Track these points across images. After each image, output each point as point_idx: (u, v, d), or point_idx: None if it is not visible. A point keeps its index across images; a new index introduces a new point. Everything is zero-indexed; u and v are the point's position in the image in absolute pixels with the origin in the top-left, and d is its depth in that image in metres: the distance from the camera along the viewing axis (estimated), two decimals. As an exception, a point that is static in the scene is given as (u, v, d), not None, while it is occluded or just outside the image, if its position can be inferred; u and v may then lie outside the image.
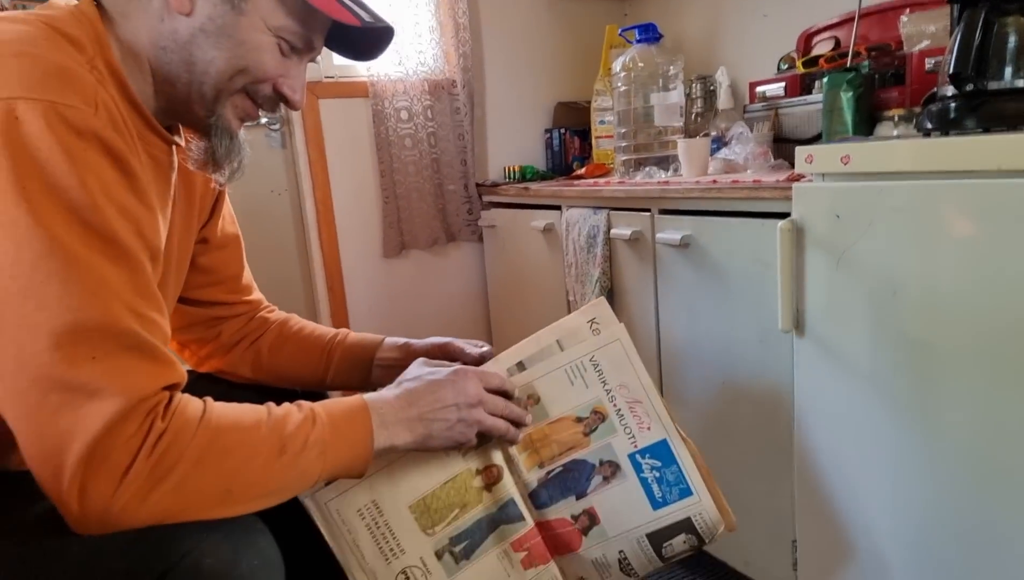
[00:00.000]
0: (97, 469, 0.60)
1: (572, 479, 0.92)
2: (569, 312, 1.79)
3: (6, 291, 0.59)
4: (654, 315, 1.51)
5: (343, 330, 1.09)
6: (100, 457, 0.60)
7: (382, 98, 2.01)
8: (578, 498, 0.92)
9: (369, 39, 0.84)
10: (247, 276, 1.06)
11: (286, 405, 0.74)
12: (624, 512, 0.92)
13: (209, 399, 0.69)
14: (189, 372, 1.04)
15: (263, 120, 1.98)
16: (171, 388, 0.65)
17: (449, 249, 2.23)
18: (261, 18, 0.75)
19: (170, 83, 0.77)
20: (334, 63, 2.04)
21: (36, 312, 0.59)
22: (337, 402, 0.78)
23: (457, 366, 0.87)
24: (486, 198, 2.18)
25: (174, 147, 0.83)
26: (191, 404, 0.67)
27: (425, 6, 2.02)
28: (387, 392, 0.82)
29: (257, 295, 1.08)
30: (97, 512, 0.61)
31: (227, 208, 1.01)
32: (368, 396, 0.80)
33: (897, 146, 0.98)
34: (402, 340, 1.08)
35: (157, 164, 0.79)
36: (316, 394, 1.07)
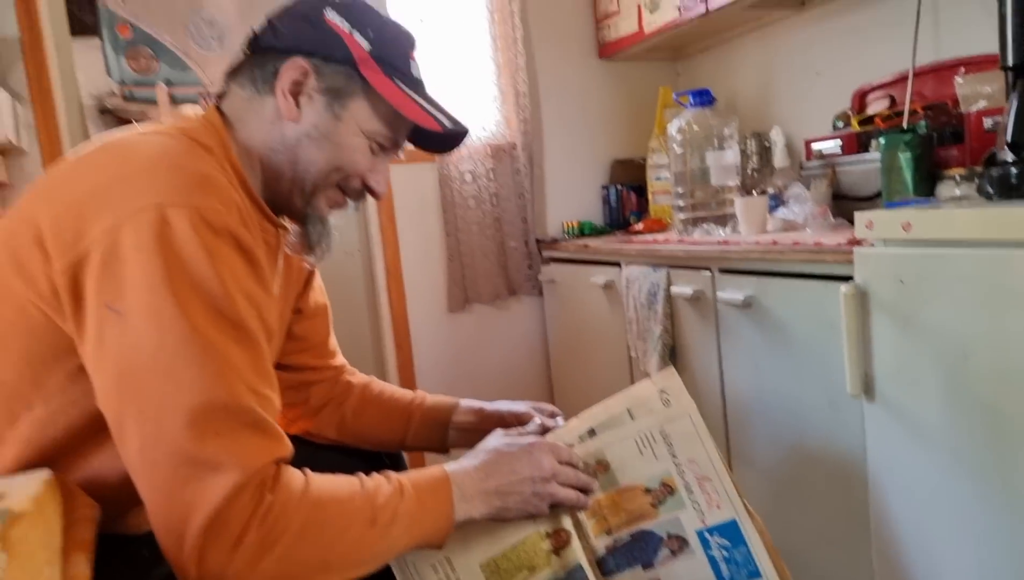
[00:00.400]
0: (215, 538, 0.66)
1: (639, 549, 0.94)
2: (631, 368, 1.84)
3: (150, 372, 0.67)
4: (718, 373, 1.53)
5: (420, 393, 1.16)
6: (218, 527, 0.66)
7: (448, 163, 2.12)
8: (645, 568, 0.94)
9: (447, 137, 0.95)
10: (332, 342, 1.15)
11: (376, 477, 0.80)
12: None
13: (308, 471, 0.76)
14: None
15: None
16: (279, 461, 0.72)
17: (511, 303, 2.30)
18: (356, 124, 0.86)
19: (276, 178, 0.88)
20: (402, 130, 2.16)
21: (175, 393, 0.67)
22: (421, 474, 0.83)
23: (532, 438, 0.91)
24: (546, 253, 2.26)
25: (280, 230, 0.93)
26: (295, 477, 0.73)
27: (488, 76, 2.14)
28: (467, 462, 0.87)
29: (341, 359, 1.16)
30: (213, 577, 0.67)
31: (317, 279, 1.11)
32: (449, 468, 0.85)
33: (959, 214, 0.99)
34: (477, 404, 1.14)
35: (269, 248, 0.89)
36: (393, 456, 1.16)
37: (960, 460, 1.01)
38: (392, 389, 1.16)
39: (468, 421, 1.12)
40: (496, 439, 0.92)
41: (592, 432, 0.94)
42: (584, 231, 2.20)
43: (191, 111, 0.87)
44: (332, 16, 0.85)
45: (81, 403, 0.73)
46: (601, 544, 0.94)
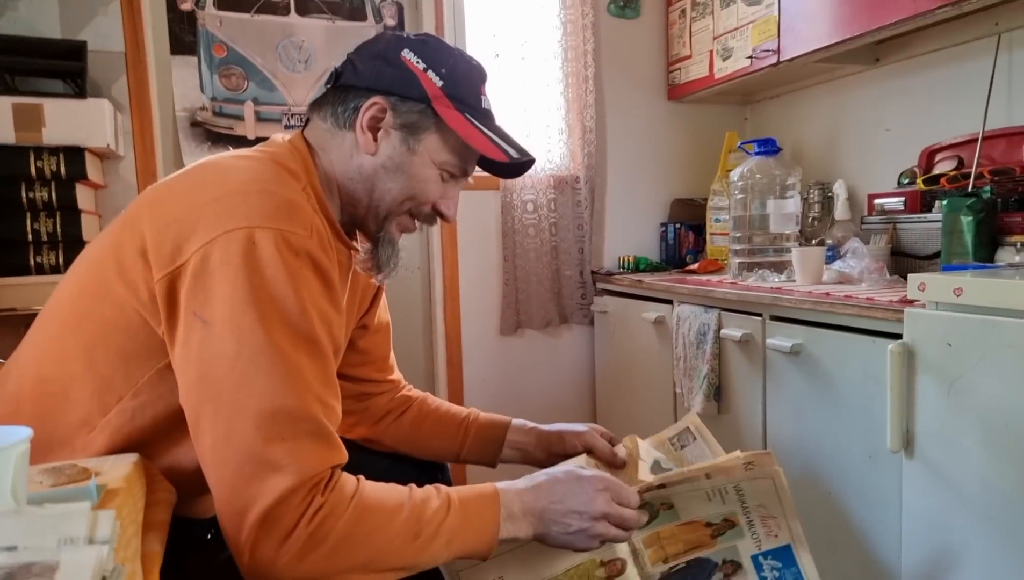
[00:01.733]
0: (268, 531, 0.73)
1: (693, 574, 0.97)
2: (675, 404, 1.87)
3: (227, 379, 0.74)
4: (761, 417, 1.55)
5: (473, 410, 1.23)
6: (271, 522, 0.73)
7: (511, 191, 2.20)
8: None
9: (515, 165, 1.00)
10: (392, 358, 1.22)
11: (428, 489, 0.84)
12: None
13: (363, 478, 0.82)
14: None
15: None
16: (335, 467, 0.78)
17: (561, 330, 2.35)
18: (429, 156, 0.93)
19: (352, 204, 0.96)
20: (470, 157, 2.25)
21: (248, 398, 0.74)
22: (473, 490, 0.86)
23: (597, 473, 0.92)
24: (600, 285, 2.30)
25: (352, 251, 1.00)
26: (348, 483, 0.79)
27: (556, 111, 2.22)
28: (521, 483, 0.90)
29: (398, 374, 1.23)
30: (263, 565, 0.74)
31: (383, 298, 1.18)
32: (501, 486, 0.88)
33: (1009, 285, 1.00)
34: (530, 424, 1.20)
35: (341, 267, 0.96)
36: (440, 467, 1.22)
37: (993, 523, 1.01)
38: (448, 405, 1.23)
39: (523, 441, 1.18)
40: (563, 466, 0.96)
41: (663, 486, 0.95)
42: (640, 266, 2.24)
43: (279, 137, 0.96)
44: (408, 55, 0.92)
45: (167, 398, 0.81)
46: (657, 571, 0.97)
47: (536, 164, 2.18)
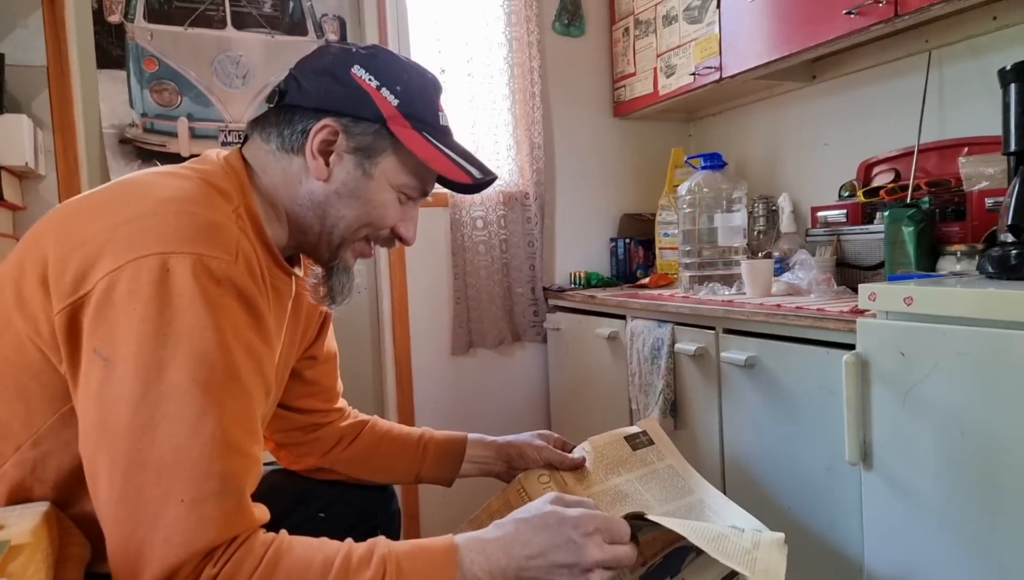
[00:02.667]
0: None
1: (669, 564, 0.94)
2: (631, 420, 1.85)
3: (126, 425, 0.66)
4: (718, 431, 1.54)
5: (425, 429, 1.19)
6: None
7: (460, 208, 2.16)
8: (672, 577, 0.94)
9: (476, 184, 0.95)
10: (339, 385, 1.17)
11: (365, 548, 0.73)
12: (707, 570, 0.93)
13: (284, 535, 0.72)
14: (279, 471, 1.13)
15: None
16: (236, 536, 0.69)
17: (514, 349, 2.32)
18: (386, 179, 0.87)
19: (303, 232, 0.88)
20: (417, 174, 2.21)
21: (148, 449, 0.65)
22: (424, 549, 0.74)
23: (582, 512, 0.78)
24: (552, 302, 2.28)
25: (293, 278, 0.93)
26: (255, 546, 0.68)
27: (504, 128, 2.20)
28: (489, 532, 0.77)
29: (343, 401, 1.18)
30: None
31: (330, 326, 1.12)
32: (461, 540, 0.75)
33: (959, 293, 1.02)
34: (488, 438, 1.17)
35: (278, 293, 0.89)
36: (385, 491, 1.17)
37: (955, 532, 1.02)
38: (399, 426, 1.19)
39: (484, 455, 1.15)
40: (537, 506, 0.80)
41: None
42: (591, 281, 2.23)
43: (214, 154, 0.88)
44: (359, 72, 0.85)
45: (72, 447, 0.72)
46: (636, 575, 0.93)
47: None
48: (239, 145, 0.91)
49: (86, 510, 0.74)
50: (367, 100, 0.84)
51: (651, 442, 1.16)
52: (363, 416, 1.18)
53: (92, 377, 0.67)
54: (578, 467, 1.09)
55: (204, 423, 0.67)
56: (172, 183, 0.77)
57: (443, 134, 0.90)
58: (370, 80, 0.85)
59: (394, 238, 0.92)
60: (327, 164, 0.84)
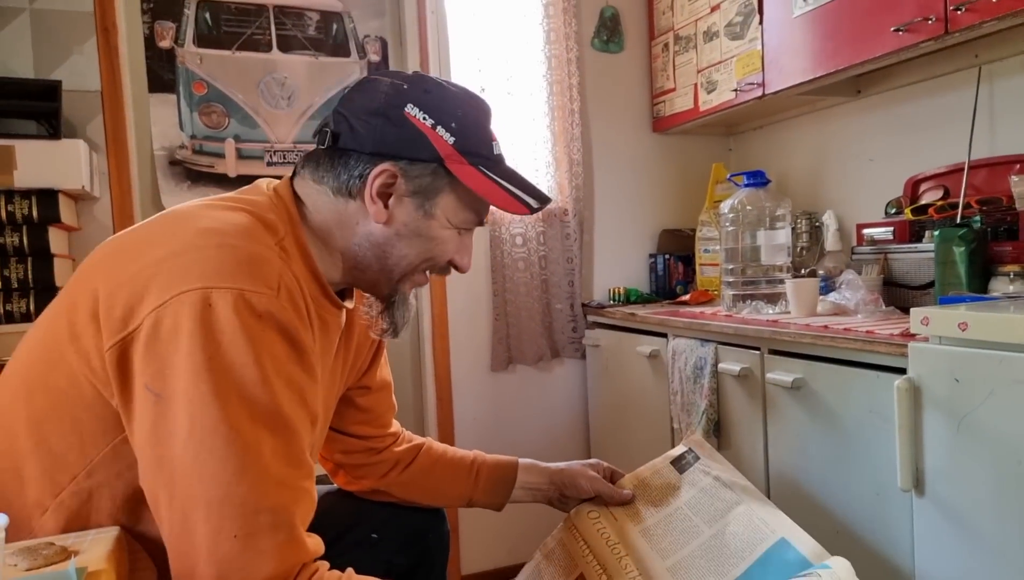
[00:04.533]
0: None
1: None
2: (672, 440, 1.84)
3: (180, 462, 0.68)
4: (763, 453, 1.53)
5: (477, 452, 1.21)
6: None
7: (499, 225, 2.18)
8: None
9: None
10: (393, 411, 1.19)
11: None
12: None
13: (350, 574, 0.74)
14: (334, 492, 1.15)
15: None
16: (302, 566, 0.71)
17: (553, 365, 2.32)
18: (446, 217, 0.87)
19: (360, 270, 0.89)
20: (457, 192, 2.24)
21: (198, 484, 0.68)
22: None
23: None
24: (591, 318, 2.28)
25: (343, 310, 0.94)
26: None
27: (543, 144, 2.22)
28: None
29: (396, 424, 1.20)
30: None
31: (384, 355, 1.14)
32: None
33: (1017, 320, 1.00)
34: (540, 464, 1.19)
35: (325, 325, 0.90)
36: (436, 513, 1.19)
37: (1010, 563, 1.00)
38: (452, 449, 1.21)
39: (537, 481, 1.18)
40: None
41: None
42: (630, 298, 2.23)
43: (264, 184, 0.89)
44: (412, 111, 0.83)
45: (126, 477, 0.75)
46: None
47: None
48: (290, 176, 0.91)
49: (143, 534, 0.77)
50: (423, 141, 0.84)
51: (697, 458, 1.17)
52: (417, 439, 1.20)
53: (146, 414, 0.69)
54: (627, 502, 1.11)
55: (250, 459, 0.68)
56: (215, 214, 0.78)
57: (497, 164, 0.89)
58: (424, 119, 0.84)
59: (450, 267, 0.93)
60: (387, 207, 0.84)
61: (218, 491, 0.67)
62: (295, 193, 0.88)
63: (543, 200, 0.91)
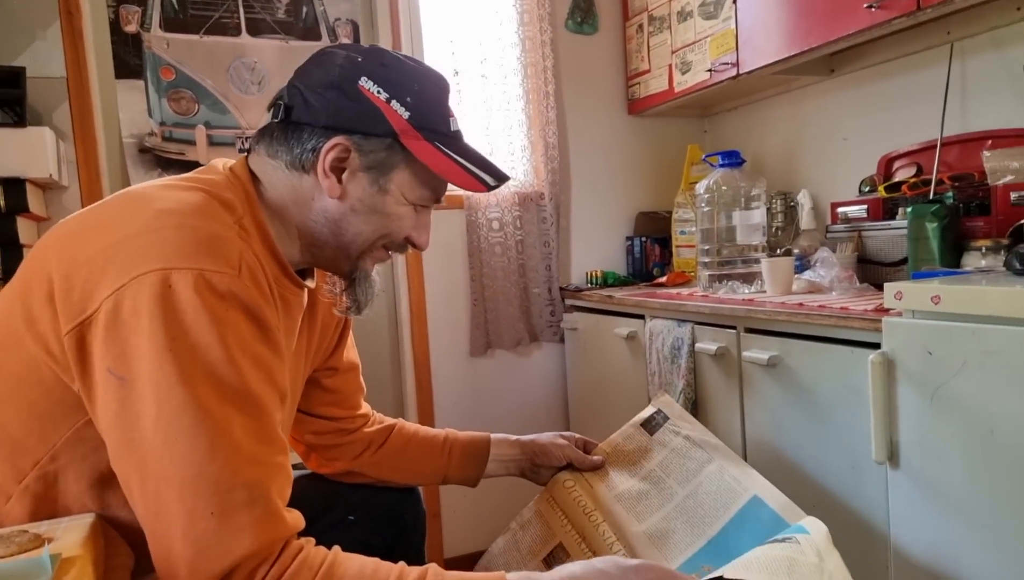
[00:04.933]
0: None
1: None
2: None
3: (150, 444, 0.67)
4: (740, 431, 1.54)
5: (449, 430, 1.22)
6: None
7: (476, 210, 2.17)
8: None
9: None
10: (362, 392, 1.18)
11: (415, 576, 0.74)
12: None
13: (337, 551, 0.74)
14: (307, 476, 1.14)
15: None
16: (286, 540, 0.71)
17: (532, 349, 2.32)
18: (401, 193, 0.86)
19: (318, 246, 0.88)
20: (433, 177, 2.22)
21: (169, 465, 0.67)
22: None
23: (644, 562, 0.83)
24: (569, 301, 2.28)
25: (305, 290, 0.93)
26: (312, 558, 0.70)
27: (518, 128, 2.20)
28: (549, 575, 0.79)
29: (366, 407, 1.19)
30: None
31: (350, 337, 1.13)
32: (513, 577, 0.76)
33: (987, 292, 1.01)
34: (511, 437, 1.21)
35: (288, 305, 0.89)
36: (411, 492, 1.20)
37: (984, 532, 1.01)
38: (424, 428, 1.22)
39: (509, 453, 1.19)
40: (600, 559, 0.83)
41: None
42: (608, 281, 2.23)
43: (220, 163, 0.87)
44: (367, 85, 0.82)
45: (91, 459, 0.73)
46: None
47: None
48: (245, 154, 0.89)
49: (116, 518, 0.76)
50: (378, 115, 0.82)
51: (667, 418, 1.19)
52: (389, 420, 1.20)
53: (110, 397, 0.68)
54: (598, 468, 1.14)
55: (221, 437, 0.68)
56: (172, 195, 0.77)
57: (455, 140, 0.88)
58: (379, 93, 0.83)
59: (407, 244, 0.92)
60: (340, 181, 0.83)
61: (190, 471, 0.67)
62: (251, 171, 0.86)
63: (501, 178, 0.90)
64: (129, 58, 1.99)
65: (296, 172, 0.84)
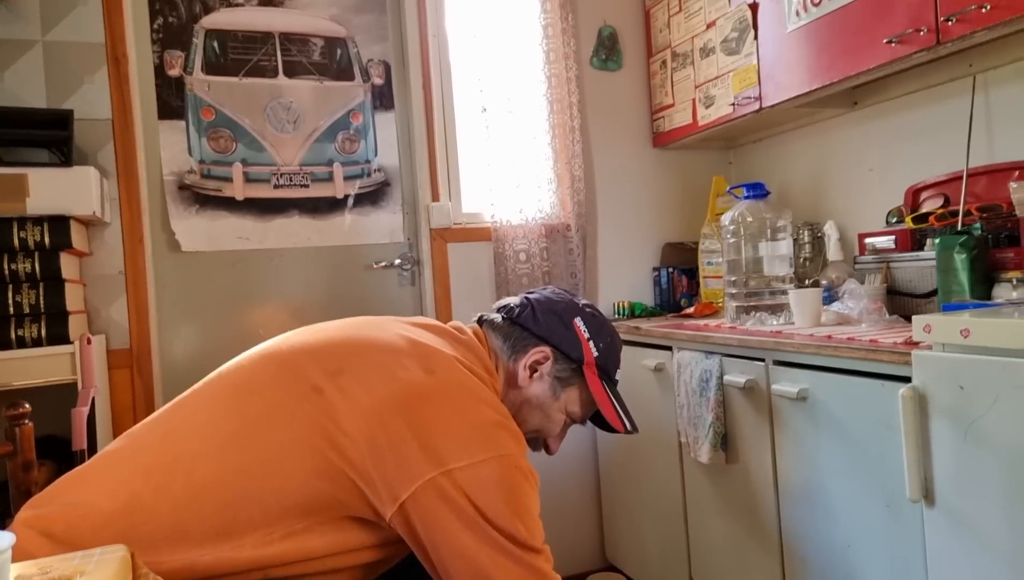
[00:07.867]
0: None
1: None
2: (680, 454, 1.84)
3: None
4: (771, 465, 1.53)
5: None
6: None
7: (503, 242, 2.20)
8: None
9: None
10: None
11: None
12: None
13: None
14: None
15: (396, 261, 2.22)
16: None
17: (559, 380, 2.33)
18: (565, 404, 1.14)
19: None
20: (463, 210, 2.26)
21: None
22: None
23: None
24: (596, 333, 2.29)
25: None
26: None
27: (545, 161, 2.24)
28: None
29: None
30: None
31: None
32: None
33: (1018, 325, 1.00)
34: None
35: None
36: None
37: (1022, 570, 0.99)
38: None
39: None
40: None
41: None
42: (635, 311, 2.24)
43: (470, 330, 1.13)
44: (579, 323, 1.14)
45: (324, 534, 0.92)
46: None
47: (526, 213, 2.23)
48: (482, 325, 1.16)
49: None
50: (578, 345, 1.13)
51: None
52: None
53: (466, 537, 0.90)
54: None
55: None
56: (479, 391, 1.00)
57: (615, 385, 1.17)
58: (585, 332, 1.13)
59: (543, 446, 1.18)
60: (530, 378, 1.11)
61: None
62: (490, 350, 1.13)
63: (634, 427, 1.17)
64: (172, 100, 2.08)
65: (509, 360, 1.12)
